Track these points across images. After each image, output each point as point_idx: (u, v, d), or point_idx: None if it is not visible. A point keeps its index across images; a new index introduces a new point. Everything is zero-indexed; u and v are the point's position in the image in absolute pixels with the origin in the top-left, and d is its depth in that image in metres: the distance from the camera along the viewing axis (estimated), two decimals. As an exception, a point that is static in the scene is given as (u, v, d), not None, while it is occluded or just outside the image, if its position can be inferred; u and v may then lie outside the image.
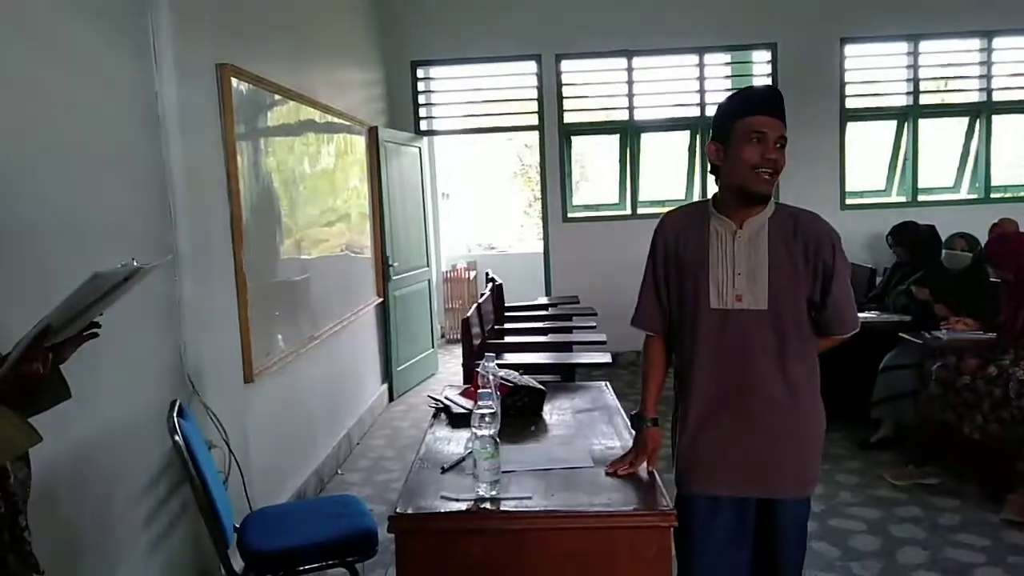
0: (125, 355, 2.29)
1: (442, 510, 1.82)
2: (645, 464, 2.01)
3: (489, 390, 1.96)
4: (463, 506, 1.83)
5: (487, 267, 7.72)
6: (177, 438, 2.11)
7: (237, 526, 2.39)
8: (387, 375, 5.58)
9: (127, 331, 2.33)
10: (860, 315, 4.41)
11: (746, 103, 1.84)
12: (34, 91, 1.97)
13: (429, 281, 6.41)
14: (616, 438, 2.27)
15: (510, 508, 1.81)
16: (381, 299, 5.39)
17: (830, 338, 1.96)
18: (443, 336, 7.47)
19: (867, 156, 6.64)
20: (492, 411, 1.87)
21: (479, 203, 25.36)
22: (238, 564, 2.28)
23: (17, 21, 1.91)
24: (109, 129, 2.31)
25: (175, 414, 2.17)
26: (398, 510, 1.83)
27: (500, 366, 2.81)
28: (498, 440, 1.88)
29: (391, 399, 5.57)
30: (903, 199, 6.47)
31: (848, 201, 6.37)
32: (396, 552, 1.82)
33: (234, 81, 3.03)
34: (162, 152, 2.58)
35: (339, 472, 4.18)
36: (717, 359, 1.91)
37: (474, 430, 1.87)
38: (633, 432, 2.09)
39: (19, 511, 1.33)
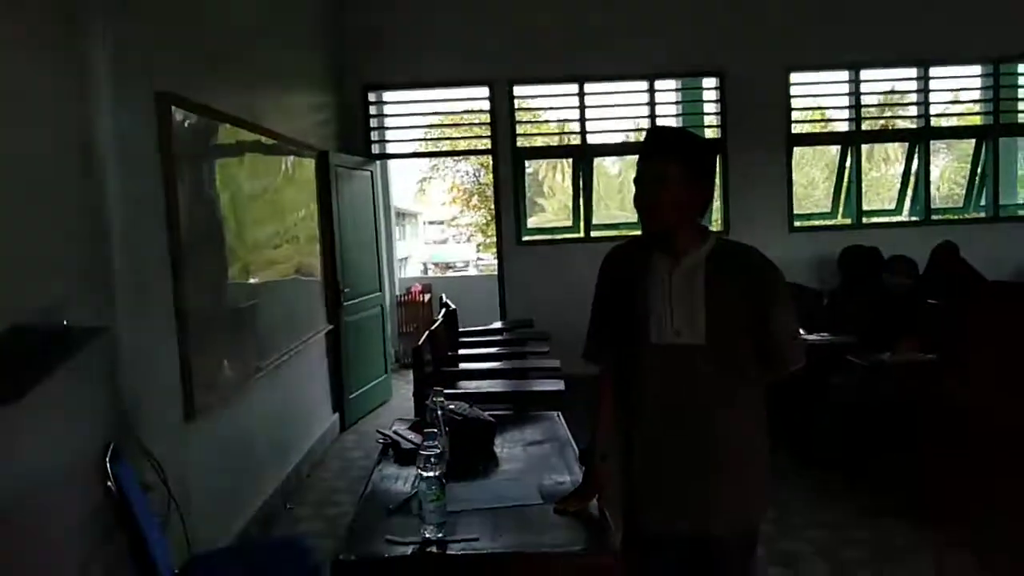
0: (54, 394, 2.18)
1: (387, 555, 1.77)
2: (595, 500, 1.99)
3: (435, 430, 1.92)
4: (408, 550, 1.78)
5: (442, 289, 7.69)
6: (109, 483, 2.02)
7: (176, 573, 2.29)
8: (339, 403, 5.48)
9: (59, 371, 2.23)
10: (810, 336, 4.51)
11: None
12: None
13: (382, 306, 6.34)
14: (567, 472, 2.25)
15: (456, 552, 1.77)
16: (332, 326, 5.30)
17: (778, 371, 1.96)
18: (397, 360, 7.38)
19: (814, 180, 6.81)
20: (438, 450, 1.84)
21: (439, 223, 25.26)
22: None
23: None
24: (38, 161, 2.22)
25: (108, 457, 2.08)
26: (340, 556, 1.78)
27: (452, 396, 2.77)
28: (444, 481, 1.85)
29: (343, 428, 5.46)
30: (848, 221, 6.64)
31: (796, 224, 6.51)
32: (339, 600, 1.76)
33: (175, 110, 2.96)
34: (96, 183, 2.49)
35: (288, 506, 4.05)
36: (659, 394, 1.89)
37: (420, 471, 1.83)
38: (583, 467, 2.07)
39: None
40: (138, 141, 2.71)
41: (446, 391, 3.66)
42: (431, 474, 1.80)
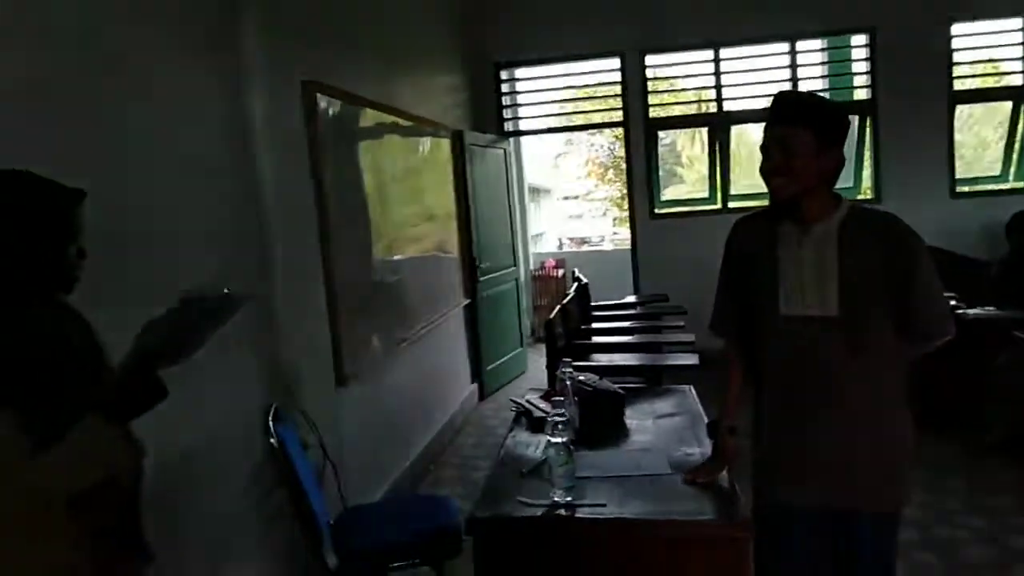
0: (225, 362, 2.44)
1: (518, 515, 1.86)
2: (725, 472, 1.99)
3: (562, 397, 1.98)
4: (539, 512, 1.86)
5: (576, 264, 7.73)
6: (272, 441, 2.24)
7: (332, 523, 2.51)
8: (477, 374, 5.69)
9: (226, 339, 2.49)
10: (973, 311, 4.18)
11: None
12: (130, 116, 2.12)
13: (517, 280, 6.48)
14: (697, 444, 2.24)
15: (584, 515, 1.83)
16: (469, 300, 5.50)
17: (921, 344, 1.85)
18: (532, 334, 7.53)
19: (985, 140, 6.21)
20: (565, 418, 1.90)
21: (574, 198, 25.24)
22: (333, 560, 2.40)
23: (104, 51, 2.06)
24: (203, 151, 2.47)
25: (271, 418, 2.31)
26: (476, 514, 1.89)
27: (584, 368, 2.83)
28: (572, 447, 1.91)
29: (481, 398, 5.68)
30: (1022, 185, 6.01)
31: (959, 189, 5.98)
32: (474, 554, 1.88)
33: (319, 97, 3.17)
34: (253, 167, 2.73)
35: (431, 469, 4.30)
36: (789, 366, 1.86)
37: (548, 437, 1.90)
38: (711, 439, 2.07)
39: (136, 501, 1.47)
40: (287, 128, 2.94)
41: (579, 364, 3.75)
42: (558, 440, 1.87)
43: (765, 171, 1.80)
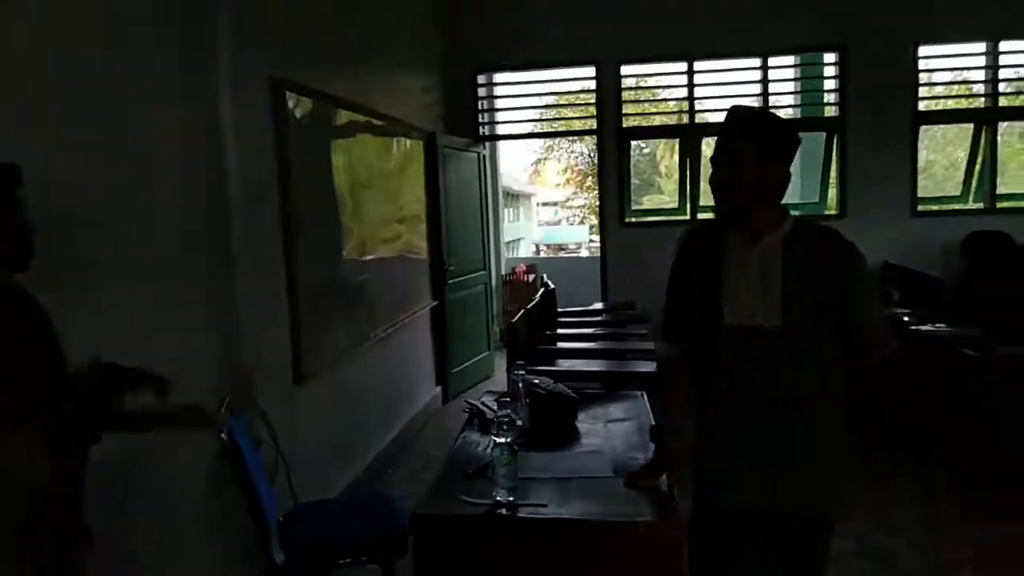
0: (181, 354, 2.45)
1: (458, 513, 1.89)
2: (664, 477, 2.03)
3: (507, 399, 2.01)
4: (480, 510, 1.89)
5: (550, 271, 7.78)
6: (222, 435, 2.25)
7: (281, 519, 2.52)
8: (442, 377, 5.71)
9: (183, 330, 2.50)
10: (926, 327, 4.28)
11: None
12: (99, 104, 2.13)
13: (486, 284, 6.51)
14: (643, 449, 2.29)
15: (524, 515, 1.87)
16: (437, 301, 5.52)
17: (860, 357, 1.92)
18: (501, 339, 7.55)
19: (957, 161, 6.36)
20: (509, 419, 1.93)
21: (553, 204, 25.35)
22: (280, 556, 2.41)
23: (85, 47, 2.08)
24: (167, 140, 2.48)
25: (221, 411, 2.31)
26: (418, 511, 1.92)
27: (544, 373, 2.87)
28: (516, 447, 1.94)
29: (445, 400, 5.69)
30: (980, 205, 6.17)
31: (920, 207, 6.12)
32: (414, 550, 1.91)
33: (288, 95, 3.19)
34: (218, 162, 2.74)
35: (389, 471, 4.31)
36: (732, 374, 1.90)
37: (493, 437, 1.94)
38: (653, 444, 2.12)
39: (79, 487, 1.49)
40: (256, 125, 2.96)
41: (542, 368, 3.79)
42: (503, 440, 1.90)
43: (714, 183, 1.85)
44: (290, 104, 3.22)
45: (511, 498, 1.91)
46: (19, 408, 1.30)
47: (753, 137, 1.79)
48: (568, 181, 24.61)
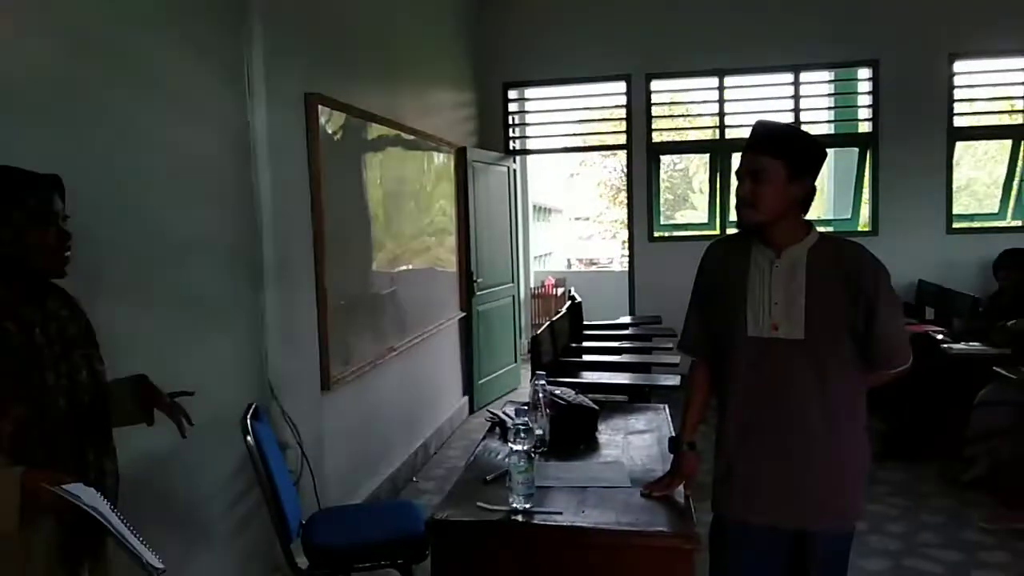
0: (211, 361, 2.54)
1: (475, 519, 1.92)
2: (681, 487, 2.04)
3: (525, 407, 2.04)
4: (495, 517, 1.92)
5: (579, 284, 7.81)
6: (249, 438, 2.32)
7: (303, 523, 2.57)
8: (468, 387, 5.75)
9: (213, 338, 2.59)
10: (958, 346, 4.23)
11: None
12: (138, 124, 2.23)
13: (514, 297, 6.55)
14: (662, 461, 2.29)
15: (539, 522, 1.89)
16: (464, 313, 5.58)
17: (880, 373, 1.91)
18: (529, 351, 7.58)
19: (977, 176, 6.26)
20: (527, 427, 1.96)
21: (581, 219, 25.40)
22: (302, 559, 2.47)
23: (118, 62, 2.17)
24: (205, 157, 2.58)
25: (249, 416, 2.38)
26: (436, 516, 1.95)
27: (567, 385, 2.89)
28: (533, 455, 1.97)
29: (471, 411, 5.73)
30: (1019, 223, 6.05)
31: (955, 224, 6.02)
32: (431, 555, 1.94)
33: (321, 109, 3.28)
34: (252, 177, 2.83)
35: (414, 479, 4.36)
36: (753, 387, 1.91)
37: (510, 445, 1.96)
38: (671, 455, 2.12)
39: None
40: (288, 138, 3.04)
41: (565, 380, 3.81)
42: (519, 447, 1.93)
43: (738, 196, 1.88)
44: (322, 119, 3.31)
45: (527, 505, 1.94)
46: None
47: (777, 152, 1.81)
48: (601, 196, 24.64)
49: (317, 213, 3.25)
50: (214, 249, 2.62)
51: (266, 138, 2.87)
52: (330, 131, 3.43)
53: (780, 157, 1.81)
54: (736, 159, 6.48)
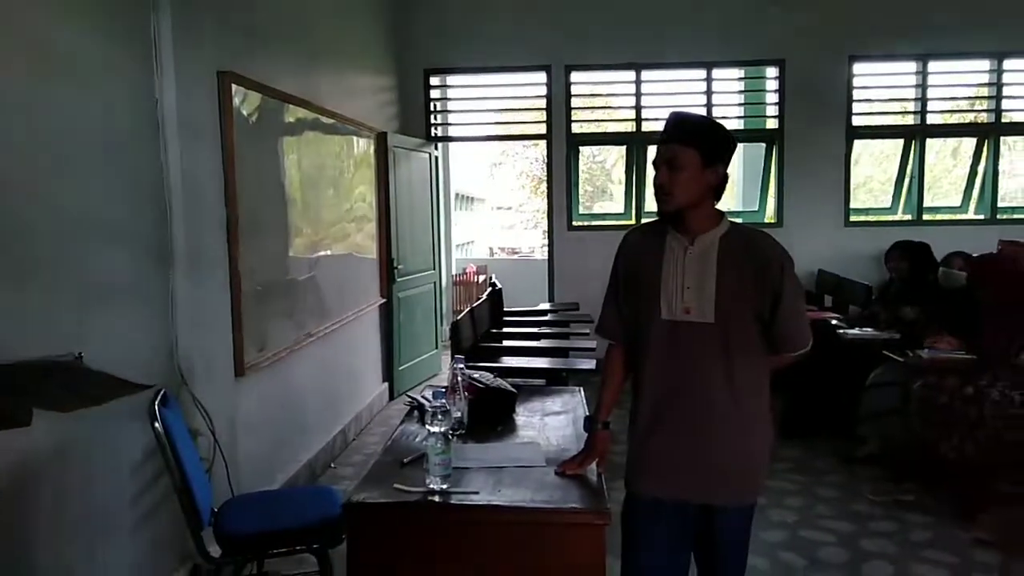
0: (116, 346, 2.44)
1: (391, 500, 1.93)
2: (595, 465, 2.11)
3: (443, 390, 2.07)
4: (412, 498, 1.94)
5: (499, 272, 7.86)
6: (156, 424, 2.25)
7: (215, 510, 2.52)
8: (388, 374, 5.73)
9: (118, 323, 2.50)
10: (852, 331, 4.49)
11: None
12: (37, 98, 2.12)
13: (435, 283, 6.55)
14: (577, 442, 2.36)
15: (456, 502, 1.93)
16: (385, 299, 5.54)
17: (782, 356, 2.02)
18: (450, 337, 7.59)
19: (873, 174, 6.65)
20: (444, 409, 1.99)
21: (504, 208, 25.55)
22: (214, 547, 2.42)
23: (19, 33, 2.07)
24: (109, 134, 2.47)
25: (157, 402, 2.31)
26: (352, 498, 1.96)
27: (486, 369, 2.93)
28: (450, 437, 2.00)
29: (391, 397, 5.71)
30: (908, 217, 6.47)
31: (852, 218, 6.39)
32: (347, 537, 1.95)
33: (235, 88, 3.19)
34: (160, 157, 2.74)
35: (332, 466, 4.32)
36: (665, 367, 2.00)
37: (427, 427, 1.99)
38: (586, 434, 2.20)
39: None
40: (200, 118, 2.94)
41: (486, 365, 3.86)
42: (437, 429, 1.96)
43: (655, 184, 1.95)
44: (236, 99, 3.22)
45: (444, 486, 1.97)
46: None
47: (691, 141, 1.90)
48: (523, 187, 24.82)
49: (231, 196, 3.16)
50: (118, 230, 2.52)
51: (176, 117, 2.77)
52: (245, 112, 3.34)
53: (694, 146, 1.90)
54: (652, 151, 6.67)
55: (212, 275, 3.02)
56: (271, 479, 3.56)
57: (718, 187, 1.97)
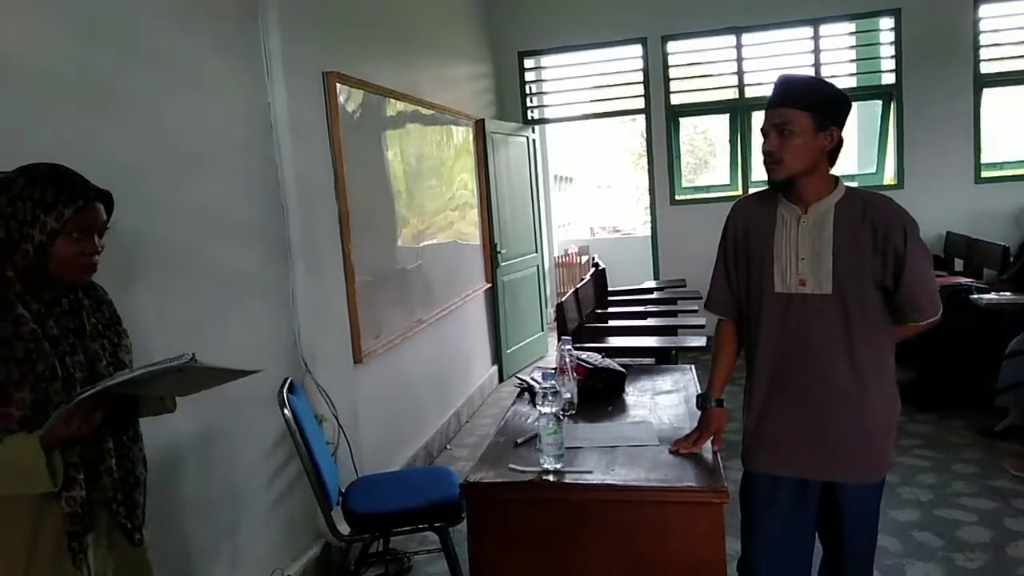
0: (244, 338, 2.61)
1: (507, 480, 1.98)
2: (709, 443, 2.08)
3: (552, 371, 2.09)
4: (527, 478, 1.98)
5: (601, 251, 7.80)
6: (286, 411, 2.39)
7: (343, 491, 2.66)
8: (497, 357, 5.82)
9: (246, 316, 2.66)
10: (989, 296, 4.20)
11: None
12: (165, 107, 2.28)
13: (538, 266, 6.58)
14: (689, 420, 2.33)
15: (569, 481, 1.94)
16: (490, 284, 5.63)
17: (908, 325, 1.92)
18: (555, 319, 7.62)
19: (1009, 125, 6.12)
20: (555, 390, 2.01)
21: (603, 186, 25.30)
22: (345, 526, 2.56)
23: (147, 48, 2.22)
24: (227, 137, 2.63)
25: (285, 390, 2.46)
26: (469, 479, 2.01)
27: (594, 350, 2.93)
28: (561, 417, 2.02)
29: (501, 380, 5.81)
30: (1051, 169, 5.93)
31: (984, 174, 5.91)
32: (467, 516, 2.01)
33: (339, 87, 3.31)
34: (275, 157, 2.88)
35: (448, 447, 4.45)
36: (780, 342, 1.94)
37: (538, 408, 2.01)
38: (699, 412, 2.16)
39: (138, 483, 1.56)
40: (308, 117, 3.07)
41: (590, 345, 3.86)
42: (548, 410, 1.98)
43: (765, 152, 1.87)
44: (341, 96, 3.34)
45: (558, 465, 1.99)
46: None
47: (802, 104, 1.81)
48: (622, 163, 24.45)
49: (341, 191, 3.30)
50: (242, 228, 2.68)
51: (287, 117, 2.91)
52: (349, 109, 3.46)
53: (805, 109, 1.80)
54: (757, 118, 6.43)
55: (328, 268, 3.16)
56: (391, 461, 3.71)
57: (832, 151, 1.88)
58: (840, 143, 1.88)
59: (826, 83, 1.95)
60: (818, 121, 1.81)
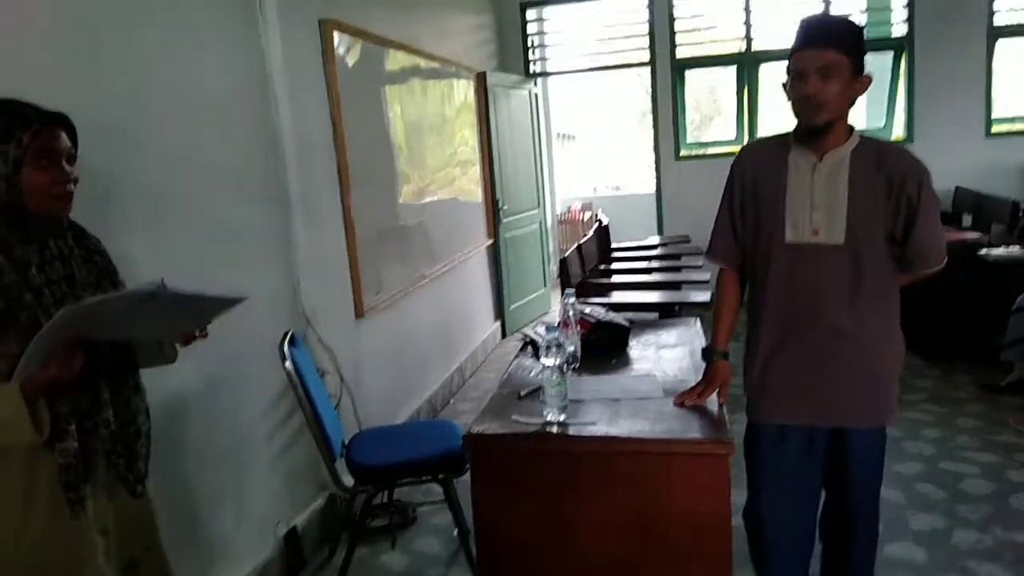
0: (245, 290, 2.56)
1: (510, 431, 1.96)
2: (715, 396, 2.06)
3: (555, 325, 2.06)
4: (531, 429, 1.96)
5: (606, 208, 7.73)
6: (287, 364, 2.38)
7: (346, 444, 2.66)
8: (500, 313, 5.81)
9: (246, 268, 2.63)
10: (998, 251, 4.16)
11: (794, 39, 1.79)
12: (154, 56, 2.21)
13: (541, 223, 6.52)
14: (694, 373, 2.31)
15: (573, 433, 1.93)
16: (492, 241, 5.58)
17: (912, 273, 1.90)
18: (558, 276, 7.60)
19: (1021, 78, 5.98)
20: (558, 343, 1.98)
21: (606, 143, 25.04)
22: (348, 477, 2.56)
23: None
24: (221, 87, 2.55)
25: (287, 343, 2.44)
26: (473, 430, 2.00)
27: (598, 304, 2.91)
28: (564, 369, 1.99)
29: (503, 335, 5.81)
30: (1062, 125, 5.83)
31: (995, 128, 5.81)
32: (471, 467, 2.00)
33: (337, 36, 3.22)
34: (271, 107, 2.81)
35: (451, 402, 4.46)
36: (789, 292, 1.91)
37: (542, 360, 1.99)
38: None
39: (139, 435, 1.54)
40: (305, 67, 3.00)
41: (594, 300, 3.83)
42: (551, 362, 1.96)
43: (802, 95, 1.75)
44: (338, 47, 3.25)
45: (562, 417, 1.98)
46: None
47: (842, 47, 1.72)
48: (626, 119, 24.15)
49: (339, 144, 3.23)
50: (240, 180, 2.62)
51: (282, 67, 2.83)
52: (347, 59, 3.38)
53: (845, 51, 1.72)
54: (765, 70, 6.30)
55: (328, 222, 3.12)
56: (394, 415, 3.72)
57: (858, 97, 1.82)
58: (865, 89, 1.81)
59: (856, 24, 1.87)
60: (855, 66, 1.74)
